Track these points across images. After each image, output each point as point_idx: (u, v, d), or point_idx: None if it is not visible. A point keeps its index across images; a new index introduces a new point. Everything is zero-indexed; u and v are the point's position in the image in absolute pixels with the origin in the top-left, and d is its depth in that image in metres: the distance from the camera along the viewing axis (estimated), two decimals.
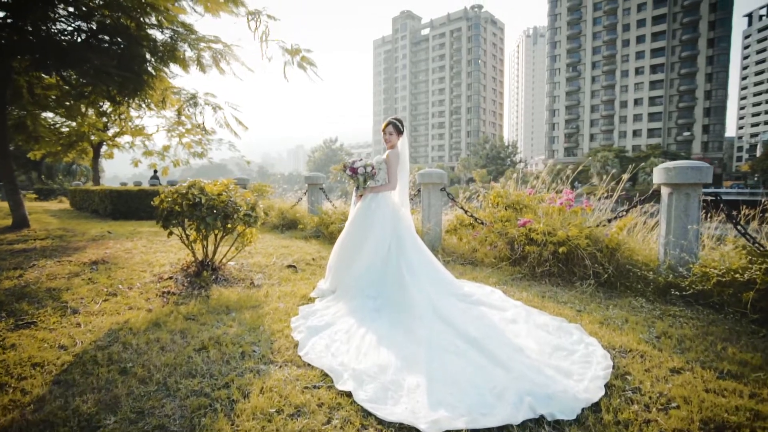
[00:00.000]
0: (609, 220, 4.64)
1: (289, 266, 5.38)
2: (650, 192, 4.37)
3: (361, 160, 3.91)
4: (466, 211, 5.84)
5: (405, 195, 4.05)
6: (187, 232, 4.51)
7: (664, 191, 4.10)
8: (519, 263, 4.89)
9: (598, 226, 4.59)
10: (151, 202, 4.53)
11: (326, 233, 7.49)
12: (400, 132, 3.96)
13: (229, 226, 4.50)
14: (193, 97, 8.99)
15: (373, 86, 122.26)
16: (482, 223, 5.61)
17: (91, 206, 13.81)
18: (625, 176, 5.04)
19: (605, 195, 5.48)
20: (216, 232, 4.54)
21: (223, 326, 3.08)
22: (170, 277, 4.67)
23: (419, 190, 6.33)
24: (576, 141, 79.95)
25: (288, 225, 8.88)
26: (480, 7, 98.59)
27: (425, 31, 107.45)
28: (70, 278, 4.54)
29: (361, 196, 3.98)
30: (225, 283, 4.51)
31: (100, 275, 4.69)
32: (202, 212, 4.25)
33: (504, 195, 5.67)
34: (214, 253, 4.84)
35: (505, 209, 5.45)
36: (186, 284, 4.39)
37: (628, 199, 5.21)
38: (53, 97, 9.02)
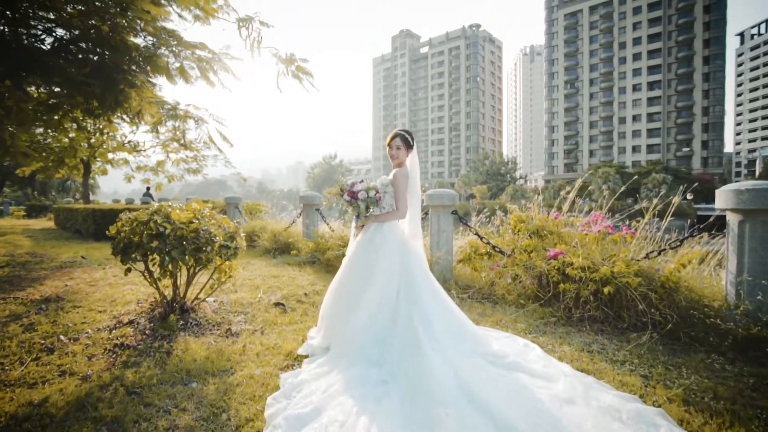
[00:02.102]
0: (658, 251, 3.86)
1: (277, 304, 4.57)
2: (711, 218, 3.60)
3: (362, 181, 3.13)
4: (481, 238, 5.07)
5: (416, 224, 3.28)
6: (152, 268, 3.72)
7: (733, 219, 3.34)
8: (550, 303, 4.09)
9: (646, 258, 3.81)
10: (106, 231, 3.75)
11: (322, 260, 6.70)
12: (409, 146, 3.22)
13: (203, 259, 3.72)
14: (173, 108, 8.28)
15: (373, 103, 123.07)
16: (501, 252, 4.83)
17: (74, 226, 13.02)
18: (655, 201, 4.28)
19: (609, 211, 4.79)
20: (189, 266, 3.75)
21: (174, 410, 2.26)
22: (131, 321, 3.86)
23: (427, 213, 5.56)
24: (575, 157, 79.85)
25: (281, 249, 8.09)
26: (478, 26, 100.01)
27: (424, 50, 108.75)
28: (6, 324, 3.72)
29: (362, 226, 3.20)
30: (196, 330, 3.69)
31: (46, 318, 3.88)
32: (169, 244, 3.47)
33: (526, 219, 4.90)
34: (186, 291, 4.04)
35: (530, 237, 4.67)
36: (147, 332, 3.57)
37: (630, 216, 4.58)
38: (30, 109, 8.30)
